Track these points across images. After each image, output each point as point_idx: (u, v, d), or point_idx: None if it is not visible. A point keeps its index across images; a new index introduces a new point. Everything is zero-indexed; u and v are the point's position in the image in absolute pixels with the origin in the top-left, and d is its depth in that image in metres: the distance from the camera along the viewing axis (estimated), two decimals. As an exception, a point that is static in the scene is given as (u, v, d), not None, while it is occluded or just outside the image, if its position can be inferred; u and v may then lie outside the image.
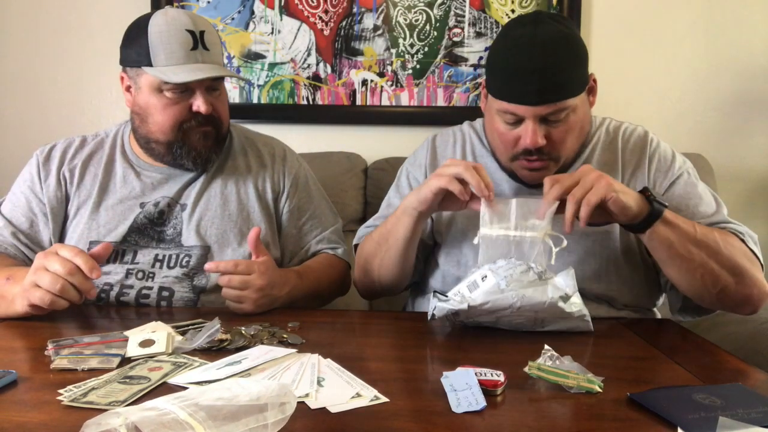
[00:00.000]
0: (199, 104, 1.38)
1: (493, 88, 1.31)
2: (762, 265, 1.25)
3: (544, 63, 1.21)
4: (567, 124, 1.27)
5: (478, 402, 0.80)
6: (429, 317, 1.14)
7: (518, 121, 1.28)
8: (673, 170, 1.37)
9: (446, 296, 1.12)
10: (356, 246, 1.52)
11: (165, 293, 1.39)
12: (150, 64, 1.36)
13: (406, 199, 1.30)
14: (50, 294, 1.12)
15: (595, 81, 1.34)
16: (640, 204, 1.15)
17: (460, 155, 1.48)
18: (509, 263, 1.11)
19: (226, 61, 2.25)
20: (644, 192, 1.18)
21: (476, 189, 1.17)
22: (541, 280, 1.10)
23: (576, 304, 1.11)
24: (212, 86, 1.42)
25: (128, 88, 1.44)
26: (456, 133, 1.54)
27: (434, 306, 1.12)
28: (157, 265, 1.41)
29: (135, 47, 1.38)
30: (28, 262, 1.42)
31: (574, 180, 1.14)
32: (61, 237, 1.45)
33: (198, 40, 1.37)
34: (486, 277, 1.10)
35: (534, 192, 1.36)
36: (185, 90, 1.38)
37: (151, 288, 1.39)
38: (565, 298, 1.09)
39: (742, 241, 1.24)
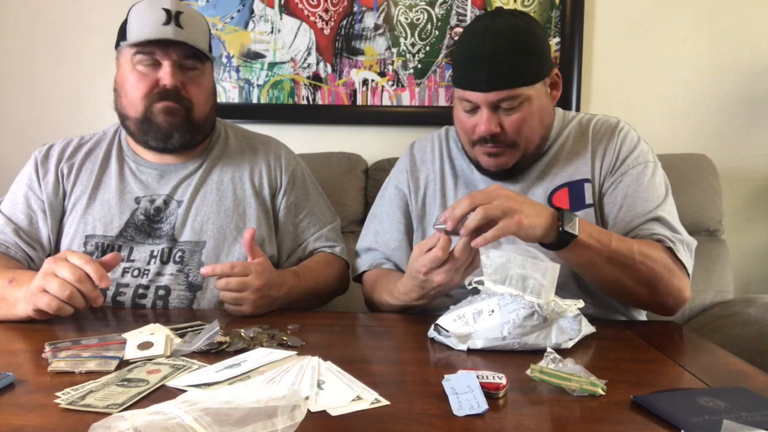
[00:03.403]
0: (163, 75, 1.40)
1: (454, 77, 1.38)
2: (688, 272, 1.28)
3: (494, 52, 1.28)
4: (521, 112, 1.32)
5: (480, 405, 0.80)
6: (429, 337, 1.14)
7: (475, 108, 1.34)
8: (630, 159, 1.39)
9: (448, 331, 1.10)
10: (357, 268, 1.58)
11: (161, 292, 1.39)
12: (125, 39, 1.41)
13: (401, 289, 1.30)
14: (57, 300, 1.13)
15: (558, 76, 1.41)
16: (549, 233, 1.15)
17: (438, 159, 1.55)
18: (515, 301, 1.07)
19: (225, 60, 2.25)
20: (558, 213, 1.17)
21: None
22: (546, 322, 1.06)
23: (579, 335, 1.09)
24: (185, 65, 1.43)
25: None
26: (434, 138, 1.59)
27: (433, 336, 1.12)
28: (152, 261, 1.42)
29: (120, 29, 1.44)
30: (28, 260, 1.43)
31: (489, 198, 1.13)
32: (58, 233, 1.47)
33: (171, 18, 1.39)
34: (493, 312, 1.08)
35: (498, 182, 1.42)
36: (155, 64, 1.41)
37: (147, 287, 1.39)
38: (569, 341, 1.07)
39: (670, 249, 1.26)
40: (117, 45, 1.46)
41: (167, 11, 1.39)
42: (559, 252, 1.19)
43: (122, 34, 1.43)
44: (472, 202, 1.12)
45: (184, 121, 1.45)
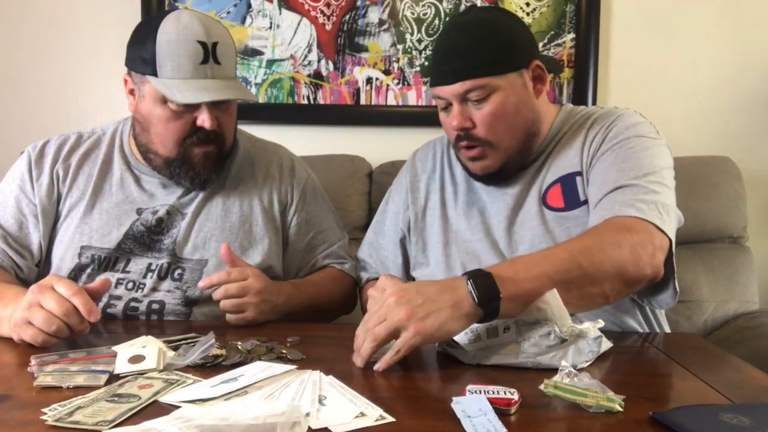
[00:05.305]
0: (204, 119, 1.35)
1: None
2: (654, 222, 1.15)
3: (457, 44, 1.32)
4: (491, 105, 1.32)
5: (497, 429, 0.79)
6: (437, 350, 1.13)
7: (449, 105, 1.36)
8: (617, 134, 1.32)
9: (458, 345, 1.08)
10: (356, 275, 1.63)
11: (155, 306, 1.38)
12: (155, 74, 1.34)
13: None
14: (43, 334, 1.10)
15: (542, 68, 1.37)
16: (471, 314, 1.02)
17: (438, 167, 1.55)
18: (530, 320, 1.06)
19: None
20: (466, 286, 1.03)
21: None
22: (563, 343, 1.04)
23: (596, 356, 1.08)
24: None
25: (131, 92, 1.43)
26: (435, 144, 1.60)
27: (442, 349, 1.11)
28: (149, 275, 1.41)
29: (142, 52, 1.35)
30: (16, 268, 1.42)
31: (381, 322, 1.02)
32: (51, 239, 1.44)
33: (209, 53, 1.34)
34: (508, 329, 1.07)
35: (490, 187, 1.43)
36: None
37: (140, 301, 1.38)
38: (585, 363, 1.05)
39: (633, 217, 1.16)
40: (134, 67, 1.39)
41: (203, 45, 1.33)
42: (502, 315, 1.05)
43: (144, 59, 1.34)
44: (366, 331, 1.03)
45: (217, 159, 1.44)
